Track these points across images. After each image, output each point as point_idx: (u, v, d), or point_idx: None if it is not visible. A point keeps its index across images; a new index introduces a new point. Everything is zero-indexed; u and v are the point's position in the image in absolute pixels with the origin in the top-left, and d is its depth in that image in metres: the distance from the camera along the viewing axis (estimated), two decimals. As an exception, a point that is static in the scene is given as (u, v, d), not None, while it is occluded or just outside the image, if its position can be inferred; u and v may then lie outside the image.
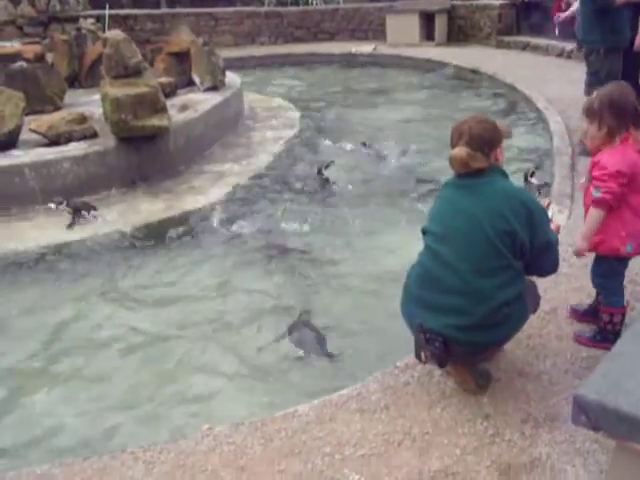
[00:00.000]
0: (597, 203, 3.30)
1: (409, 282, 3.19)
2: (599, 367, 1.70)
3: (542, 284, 3.96)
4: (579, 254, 3.50)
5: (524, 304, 3.09)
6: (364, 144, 8.37)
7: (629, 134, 3.30)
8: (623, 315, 3.52)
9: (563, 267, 4.26)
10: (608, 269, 3.53)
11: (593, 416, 1.57)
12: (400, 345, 3.60)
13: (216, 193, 6.78)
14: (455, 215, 3.06)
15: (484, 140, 3.07)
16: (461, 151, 3.01)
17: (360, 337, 4.35)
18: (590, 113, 3.37)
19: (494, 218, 2.95)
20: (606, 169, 3.24)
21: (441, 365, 3.13)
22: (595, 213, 3.32)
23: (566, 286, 4.21)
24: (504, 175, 3.15)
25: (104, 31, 10.62)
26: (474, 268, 2.95)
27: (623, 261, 3.53)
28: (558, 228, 3.50)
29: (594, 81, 6.75)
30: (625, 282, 3.64)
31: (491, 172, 3.07)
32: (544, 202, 3.60)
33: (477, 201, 3.01)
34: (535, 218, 3.00)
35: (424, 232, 3.20)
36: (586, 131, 3.44)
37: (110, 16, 14.43)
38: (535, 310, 3.37)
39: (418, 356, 3.27)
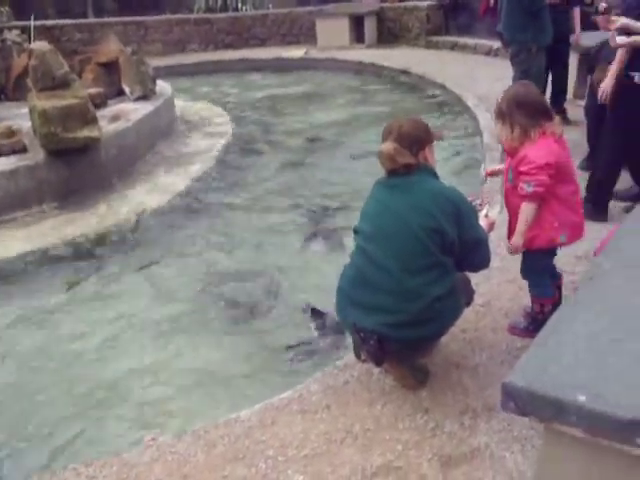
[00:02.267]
0: (530, 197, 3.37)
1: (342, 282, 3.23)
2: (525, 354, 1.75)
3: (475, 278, 4.03)
4: (515, 251, 3.57)
5: (456, 299, 3.15)
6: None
7: (544, 128, 3.38)
8: (553, 304, 3.61)
9: (495, 261, 4.34)
10: (540, 263, 3.62)
11: (521, 402, 1.61)
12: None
13: (150, 203, 6.70)
14: (384, 214, 3.10)
15: (412, 138, 3.13)
16: (388, 146, 3.06)
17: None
18: (501, 115, 3.45)
19: (422, 216, 3.00)
20: (534, 162, 3.31)
21: (377, 363, 3.18)
22: (529, 207, 3.40)
23: (499, 279, 4.30)
24: (434, 175, 3.22)
25: (30, 42, 10.40)
26: (404, 266, 3.00)
27: (553, 253, 3.64)
28: (492, 224, 3.57)
29: (524, 78, 6.90)
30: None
31: (420, 171, 3.13)
32: (479, 201, 3.66)
33: (406, 200, 3.06)
34: (463, 216, 3.06)
35: (355, 232, 3.24)
36: (500, 133, 3.52)
37: (36, 27, 14.11)
38: (469, 304, 3.45)
39: (357, 355, 3.32)
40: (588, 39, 7.79)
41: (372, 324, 3.04)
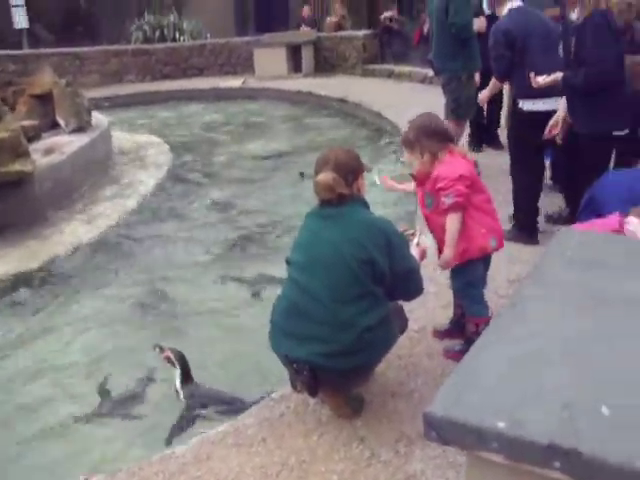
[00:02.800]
0: (453, 208, 3.49)
1: (275, 313, 3.23)
2: (445, 383, 1.76)
3: (410, 304, 4.06)
4: (447, 265, 3.64)
5: (389, 328, 3.18)
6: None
7: (450, 148, 3.60)
8: (488, 324, 3.65)
9: (430, 286, 4.41)
10: (472, 276, 3.69)
11: (442, 431, 1.62)
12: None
13: (86, 237, 6.61)
14: (317, 245, 3.12)
15: (348, 168, 3.17)
16: (327, 176, 3.09)
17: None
18: (409, 144, 3.62)
19: (354, 247, 3.03)
20: (449, 177, 3.47)
21: (312, 394, 3.18)
22: (453, 218, 3.52)
23: (434, 304, 4.34)
24: (365, 205, 3.26)
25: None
26: (335, 296, 3.02)
27: (485, 263, 3.72)
28: (424, 252, 3.63)
29: (455, 106, 7.05)
30: (489, 294, 3.82)
31: (352, 202, 3.17)
32: (411, 231, 3.73)
33: (338, 230, 3.09)
34: (394, 247, 3.10)
35: (288, 263, 3.25)
36: (411, 162, 3.68)
37: (-32, 59, 13.93)
38: (403, 331, 3.48)
39: (293, 386, 3.31)
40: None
41: (305, 354, 3.04)
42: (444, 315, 4.17)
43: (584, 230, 3.35)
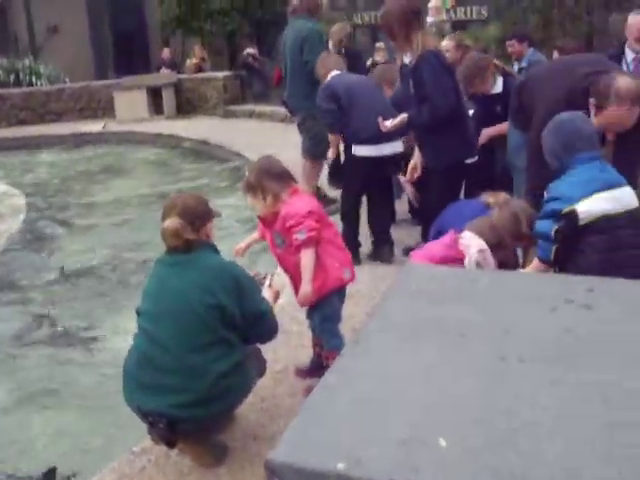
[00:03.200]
0: (305, 244, 3.52)
1: (127, 366, 3.14)
2: (289, 426, 1.75)
3: (272, 343, 4.06)
4: (307, 300, 3.65)
5: (244, 373, 3.16)
6: None
7: (293, 188, 3.65)
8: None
9: (292, 325, 4.44)
10: (330, 310, 3.73)
11: (283, 477, 1.61)
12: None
13: None
14: (164, 293, 3.08)
15: (195, 214, 3.15)
16: (173, 222, 3.05)
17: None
18: (251, 188, 3.65)
19: (203, 294, 3.00)
20: (298, 213, 3.51)
21: (170, 445, 3.11)
22: (308, 253, 3.54)
23: (296, 342, 4.36)
24: (215, 250, 3.24)
25: None
26: (187, 345, 2.98)
27: (340, 296, 3.76)
28: (277, 293, 3.65)
29: (311, 145, 7.17)
30: (347, 330, 3.87)
31: (201, 248, 3.15)
32: (262, 274, 3.75)
33: (187, 277, 3.05)
34: (244, 291, 3.10)
35: (138, 313, 3.18)
36: (254, 205, 3.69)
37: None
38: (262, 374, 3.47)
39: (153, 438, 3.22)
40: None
41: (161, 406, 2.97)
42: (306, 354, 4.18)
43: (425, 260, 3.47)
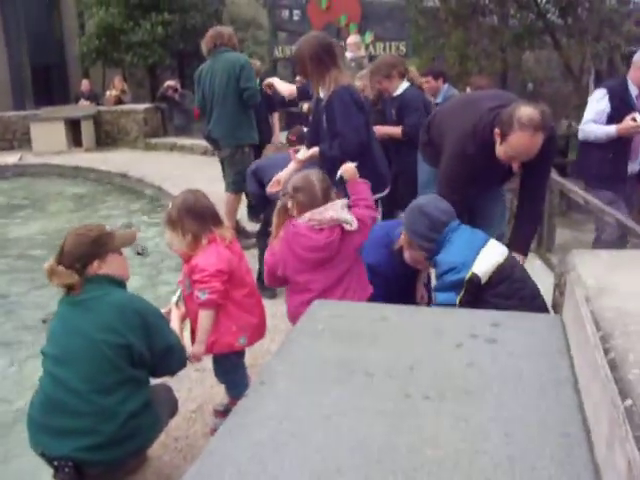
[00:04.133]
0: (205, 305, 3.43)
1: (31, 410, 3.03)
2: (188, 471, 1.72)
3: (187, 383, 4.01)
4: (197, 359, 3.56)
5: (154, 412, 3.09)
6: None
7: (214, 234, 3.49)
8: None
9: (208, 362, 4.35)
10: (229, 365, 3.69)
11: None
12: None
13: None
14: (69, 335, 2.99)
15: (74, 256, 3.03)
16: (47, 264, 2.97)
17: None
18: (171, 223, 3.53)
19: (107, 333, 2.92)
20: (206, 270, 3.39)
21: (78, 491, 2.99)
22: (206, 315, 3.46)
23: (211, 381, 4.26)
24: (118, 284, 3.15)
25: None
26: (94, 387, 2.89)
27: (240, 354, 3.71)
28: (185, 314, 3.60)
29: (237, 178, 7.12)
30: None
31: (98, 284, 3.05)
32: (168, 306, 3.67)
33: (89, 318, 2.97)
34: (151, 326, 3.03)
35: (43, 354, 3.08)
36: (171, 241, 3.58)
37: None
38: (173, 414, 3.40)
39: (57, 484, 3.10)
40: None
41: (67, 450, 2.87)
42: (222, 392, 4.11)
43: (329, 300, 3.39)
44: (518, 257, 3.97)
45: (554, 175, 6.06)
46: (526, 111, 3.74)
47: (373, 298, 3.77)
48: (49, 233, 9.58)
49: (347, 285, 3.62)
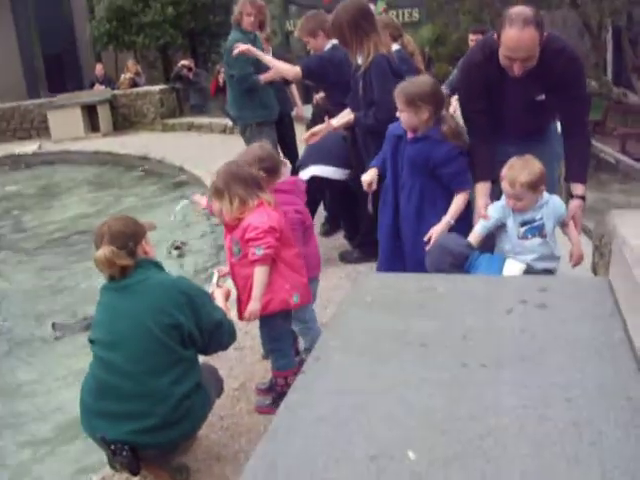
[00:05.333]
0: (262, 260, 3.46)
1: (84, 396, 3.05)
2: (256, 450, 1.73)
3: (228, 362, 4.03)
4: (254, 316, 3.59)
5: (205, 392, 3.11)
6: None
7: (260, 198, 3.54)
8: (296, 374, 3.67)
9: (246, 340, 4.39)
10: (277, 329, 3.70)
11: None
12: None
13: None
14: (118, 319, 3.00)
15: (125, 236, 3.05)
16: (104, 251, 2.97)
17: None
18: (218, 192, 3.57)
19: (156, 314, 2.94)
20: (260, 227, 3.44)
21: (134, 473, 3.01)
22: (262, 270, 3.49)
23: (251, 359, 4.30)
24: (158, 267, 3.17)
25: None
26: (146, 369, 2.91)
27: (289, 317, 3.73)
28: (229, 291, 3.63)
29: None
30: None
31: (144, 267, 3.07)
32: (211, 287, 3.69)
33: (136, 301, 2.98)
34: (197, 304, 3.05)
35: (92, 342, 3.10)
36: (219, 210, 3.62)
37: None
38: (220, 394, 3.43)
39: (113, 466, 3.14)
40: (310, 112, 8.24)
41: (123, 434, 2.89)
42: (263, 368, 4.14)
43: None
44: (577, 186, 3.92)
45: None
46: (517, 8, 3.70)
47: None
48: (75, 219, 9.64)
49: None
